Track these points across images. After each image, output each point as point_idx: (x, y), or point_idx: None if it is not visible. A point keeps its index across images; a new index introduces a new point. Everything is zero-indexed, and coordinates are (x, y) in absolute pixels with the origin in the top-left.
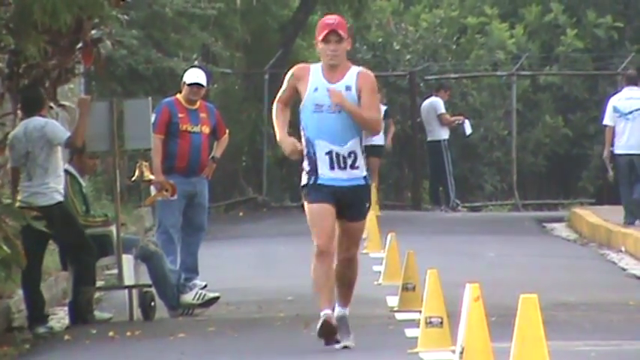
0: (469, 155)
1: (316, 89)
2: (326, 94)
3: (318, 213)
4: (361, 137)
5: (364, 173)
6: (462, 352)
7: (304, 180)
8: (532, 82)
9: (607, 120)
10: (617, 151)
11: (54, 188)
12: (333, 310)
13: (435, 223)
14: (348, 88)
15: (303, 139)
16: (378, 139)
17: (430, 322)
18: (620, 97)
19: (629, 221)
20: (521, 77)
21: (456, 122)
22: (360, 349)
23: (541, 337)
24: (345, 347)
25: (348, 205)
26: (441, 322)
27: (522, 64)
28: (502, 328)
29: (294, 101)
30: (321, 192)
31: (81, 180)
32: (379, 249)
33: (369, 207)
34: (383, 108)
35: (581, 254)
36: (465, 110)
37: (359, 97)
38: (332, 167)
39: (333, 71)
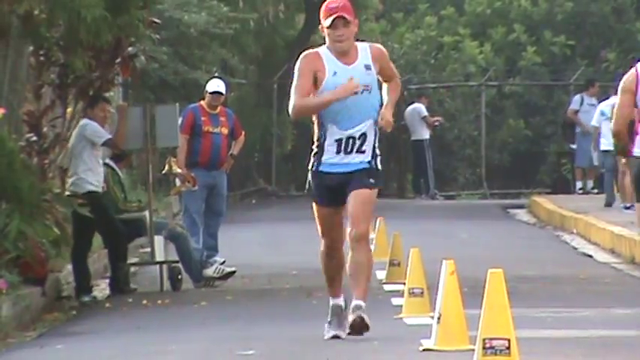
0: (445, 152)
1: (335, 73)
2: (346, 78)
3: (323, 217)
4: (376, 119)
5: (369, 158)
6: (439, 318)
7: (310, 164)
8: (498, 91)
9: (594, 122)
10: (603, 147)
11: (84, 179)
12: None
13: (417, 209)
14: (367, 67)
15: (315, 124)
16: None
17: (413, 293)
18: (607, 103)
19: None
20: (488, 87)
21: (436, 122)
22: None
23: (506, 305)
24: (360, 319)
25: (350, 181)
26: (422, 293)
27: (490, 75)
28: (473, 297)
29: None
30: (323, 189)
31: (119, 172)
32: (370, 231)
33: (375, 184)
34: None
35: (539, 236)
36: (441, 114)
37: (379, 71)
38: (338, 152)
39: (346, 54)
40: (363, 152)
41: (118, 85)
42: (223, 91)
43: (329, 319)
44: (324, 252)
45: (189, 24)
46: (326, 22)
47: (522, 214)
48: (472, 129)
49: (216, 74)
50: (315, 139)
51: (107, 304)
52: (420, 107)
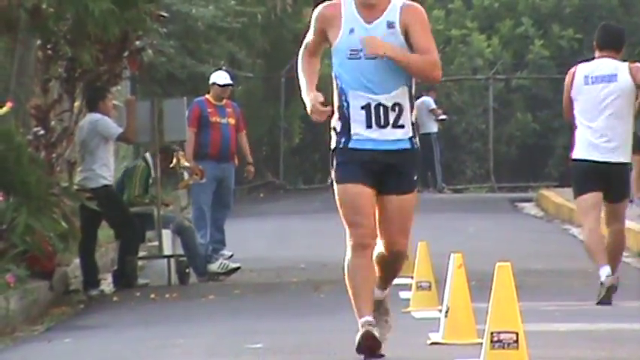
0: (453, 146)
1: (352, 30)
2: (361, 38)
3: (351, 198)
4: (411, 86)
5: (410, 134)
6: (447, 311)
7: (333, 143)
8: (506, 85)
9: None
10: None
11: (99, 174)
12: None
13: (425, 203)
14: (390, 25)
15: (335, 91)
16: None
17: (420, 286)
18: None
19: None
20: (496, 80)
21: (441, 117)
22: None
23: (514, 299)
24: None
25: (390, 175)
26: (430, 286)
27: (497, 69)
28: (480, 291)
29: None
30: (352, 165)
31: (152, 170)
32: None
33: (417, 181)
34: None
35: (546, 229)
36: (449, 108)
37: (406, 37)
38: (369, 125)
39: (371, 7)
40: (402, 127)
41: (125, 78)
42: (232, 83)
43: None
44: (352, 251)
45: (196, 17)
46: None
47: (530, 208)
48: (480, 122)
49: (223, 67)
50: (336, 106)
51: (115, 298)
52: (428, 100)
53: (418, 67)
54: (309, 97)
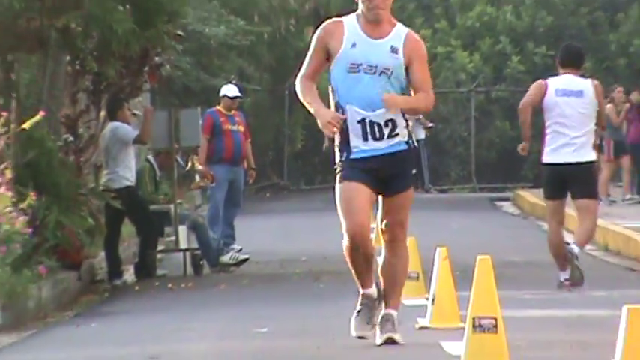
0: (439, 151)
1: (354, 45)
2: (366, 52)
3: (348, 194)
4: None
5: (406, 138)
6: (433, 299)
7: (337, 157)
8: (486, 96)
9: None
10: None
11: (123, 176)
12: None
13: (414, 202)
14: (394, 50)
15: (331, 103)
16: None
17: (409, 276)
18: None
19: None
20: (477, 93)
21: (429, 126)
22: (352, 297)
23: (493, 288)
24: (390, 340)
25: (388, 174)
26: (418, 276)
27: (478, 82)
28: (463, 281)
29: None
30: (355, 169)
31: (157, 170)
32: (372, 222)
33: (415, 176)
34: None
35: (522, 225)
36: (435, 117)
37: (406, 68)
38: (365, 138)
39: (376, 26)
40: (397, 135)
41: (145, 90)
42: (241, 95)
43: (358, 308)
44: (348, 244)
45: (209, 36)
46: None
47: (508, 206)
48: (463, 130)
49: (232, 81)
50: None
51: (136, 287)
52: None
53: (419, 107)
54: (324, 112)
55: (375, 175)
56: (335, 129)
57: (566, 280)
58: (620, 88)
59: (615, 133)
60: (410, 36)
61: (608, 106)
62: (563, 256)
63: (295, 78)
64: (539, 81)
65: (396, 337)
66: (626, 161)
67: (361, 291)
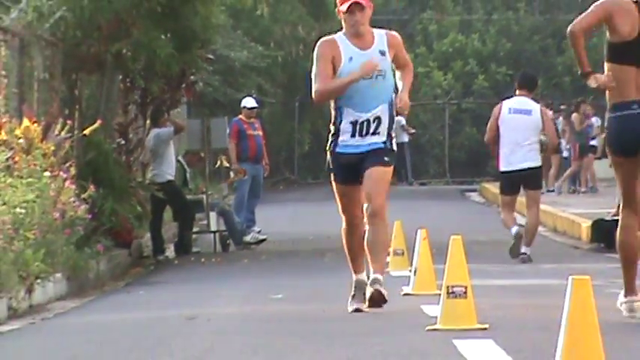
0: (419, 152)
1: (351, 59)
2: (362, 63)
3: (343, 193)
4: (391, 102)
5: (383, 139)
6: (415, 271)
7: (328, 143)
8: (457, 108)
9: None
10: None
11: (166, 172)
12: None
13: (399, 193)
14: (382, 53)
15: (332, 108)
16: None
17: (396, 253)
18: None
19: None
20: (450, 104)
21: (412, 132)
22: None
23: (464, 261)
24: (377, 292)
25: (365, 158)
26: (403, 253)
27: (451, 96)
28: (439, 256)
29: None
30: (342, 169)
31: (186, 167)
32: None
33: (389, 161)
34: None
35: (487, 212)
36: (417, 124)
37: (393, 58)
38: (353, 135)
39: (361, 38)
40: (378, 134)
41: (183, 103)
42: (258, 106)
43: (352, 293)
44: (345, 229)
45: (234, 59)
46: (343, 7)
47: (475, 196)
48: (439, 135)
49: (253, 94)
50: (332, 122)
51: (176, 262)
52: (400, 119)
53: (411, 82)
54: (356, 69)
55: (356, 168)
56: (370, 69)
57: (517, 232)
58: (585, 101)
59: (579, 137)
60: (388, 35)
61: (574, 115)
62: (512, 221)
63: (303, 94)
64: (498, 105)
65: (382, 290)
66: (587, 161)
67: (354, 277)
